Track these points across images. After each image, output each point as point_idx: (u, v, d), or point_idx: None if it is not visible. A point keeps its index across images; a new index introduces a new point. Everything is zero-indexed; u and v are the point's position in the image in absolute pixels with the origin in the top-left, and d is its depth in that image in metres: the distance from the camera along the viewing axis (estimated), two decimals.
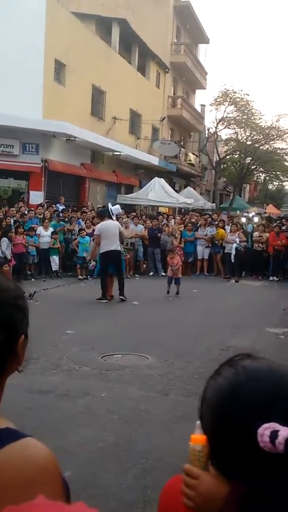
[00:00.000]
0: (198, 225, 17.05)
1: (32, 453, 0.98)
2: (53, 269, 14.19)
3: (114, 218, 11.98)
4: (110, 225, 11.22)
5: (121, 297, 11.19)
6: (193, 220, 17.48)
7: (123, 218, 15.40)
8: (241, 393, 0.96)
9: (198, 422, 1.02)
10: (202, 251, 16.40)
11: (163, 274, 15.70)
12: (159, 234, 16.09)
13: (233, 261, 15.45)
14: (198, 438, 1.01)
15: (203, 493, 0.98)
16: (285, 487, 0.88)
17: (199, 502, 0.99)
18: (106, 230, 11.07)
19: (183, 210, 24.61)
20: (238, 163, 36.61)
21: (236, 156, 37.00)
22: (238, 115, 33.86)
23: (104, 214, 11.76)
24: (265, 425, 0.88)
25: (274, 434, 0.87)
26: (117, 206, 13.18)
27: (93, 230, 14.99)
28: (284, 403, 0.93)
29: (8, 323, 1.07)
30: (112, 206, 12.57)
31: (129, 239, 15.20)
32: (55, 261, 14.21)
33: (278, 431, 0.87)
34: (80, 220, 15.80)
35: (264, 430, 0.88)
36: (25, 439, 1.01)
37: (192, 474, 1.01)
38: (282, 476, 0.88)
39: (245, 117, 33.58)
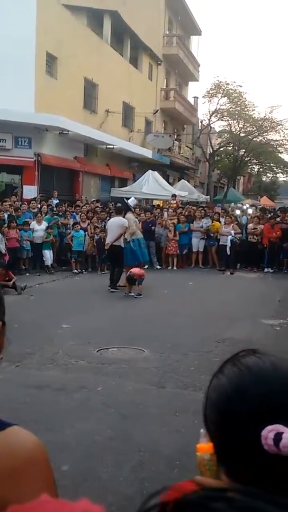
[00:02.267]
0: (192, 216, 17.03)
1: (19, 441, 0.98)
2: (46, 263, 14.13)
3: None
4: (113, 221, 12.08)
5: (112, 289, 11.58)
6: (187, 213, 17.44)
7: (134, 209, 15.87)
8: (247, 396, 0.93)
9: (203, 431, 0.99)
10: (197, 244, 16.38)
11: (158, 267, 15.74)
12: (153, 227, 16.07)
13: (229, 253, 15.45)
14: (205, 447, 0.98)
15: None
16: None
17: None
18: (110, 225, 12.14)
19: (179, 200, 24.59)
20: (232, 155, 36.57)
21: (229, 148, 36.96)
22: (231, 107, 33.78)
23: (120, 210, 12.54)
24: (269, 427, 0.86)
25: (278, 437, 0.85)
26: (132, 198, 13.44)
27: (88, 224, 15.17)
28: None
29: None
30: (130, 200, 13.19)
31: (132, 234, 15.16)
32: (47, 255, 14.15)
33: (282, 433, 0.85)
34: (74, 214, 15.75)
35: (268, 433, 0.86)
36: (11, 427, 1.00)
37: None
38: None
39: (238, 109, 33.51)
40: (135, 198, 15.32)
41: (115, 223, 12.00)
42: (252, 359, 0.97)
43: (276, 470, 0.87)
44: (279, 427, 0.86)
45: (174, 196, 19.80)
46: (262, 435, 0.86)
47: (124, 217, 12.01)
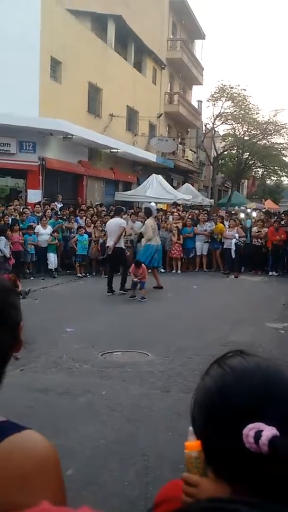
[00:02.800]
0: (196, 219, 17.06)
1: (33, 445, 0.99)
2: (49, 267, 14.14)
3: (155, 214, 13.12)
4: (111, 222, 12.12)
5: (120, 290, 11.67)
6: (191, 216, 17.47)
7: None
8: (229, 395, 0.94)
9: (191, 428, 1.00)
10: (201, 247, 16.39)
11: (162, 270, 15.73)
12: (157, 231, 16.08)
13: (233, 256, 15.43)
14: (192, 445, 1.00)
15: None
16: (281, 489, 0.86)
17: None
18: (108, 227, 12.16)
19: (181, 206, 24.58)
20: (236, 159, 36.54)
21: (233, 152, 36.93)
22: (235, 111, 33.78)
23: (119, 211, 12.77)
24: (250, 426, 0.87)
25: (258, 435, 0.86)
26: (153, 203, 13.66)
27: (93, 228, 15.26)
28: (273, 404, 0.91)
29: (15, 309, 1.13)
30: (150, 204, 13.51)
31: (128, 236, 15.21)
32: (51, 259, 14.16)
33: (262, 431, 0.85)
34: (78, 218, 15.77)
35: (249, 431, 0.86)
36: (26, 431, 1.02)
37: (192, 482, 0.99)
38: (277, 478, 0.86)
39: (242, 112, 33.50)
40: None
41: (113, 224, 11.98)
42: (236, 360, 0.98)
43: (260, 468, 0.87)
44: (260, 425, 0.86)
45: (175, 204, 19.86)
46: (244, 433, 0.86)
47: (142, 221, 12.50)
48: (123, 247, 12.16)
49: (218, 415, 0.94)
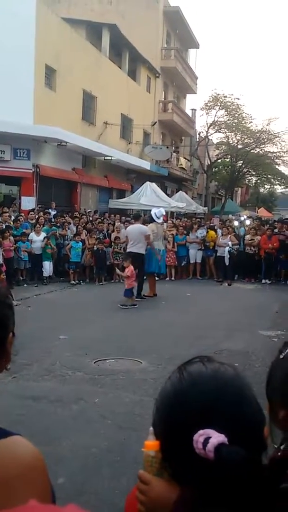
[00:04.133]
0: (188, 227, 17.10)
1: (20, 450, 0.99)
2: (44, 274, 14.12)
3: (159, 221, 13.15)
4: (134, 228, 12.33)
5: (136, 298, 11.66)
6: (184, 224, 17.52)
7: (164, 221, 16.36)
8: (183, 400, 0.96)
9: (151, 429, 1.03)
10: (195, 255, 16.43)
11: (157, 278, 15.72)
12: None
13: (227, 264, 15.46)
14: (151, 444, 1.02)
15: (153, 498, 1.00)
16: (229, 494, 0.88)
17: (150, 507, 1.00)
18: (130, 232, 12.37)
19: (175, 214, 24.65)
20: (230, 167, 36.75)
21: (227, 160, 37.14)
22: (228, 119, 33.99)
23: (138, 216, 13.07)
24: (201, 432, 0.89)
25: (206, 441, 0.87)
26: (161, 209, 13.67)
27: (86, 235, 15.27)
28: (224, 410, 0.92)
29: (0, 320, 1.10)
30: (157, 210, 13.39)
31: (121, 243, 15.23)
32: (46, 266, 14.14)
33: (210, 437, 0.87)
34: (71, 225, 15.76)
35: (199, 437, 0.88)
36: (13, 437, 1.01)
37: (144, 480, 1.02)
38: (223, 484, 0.87)
39: (236, 121, 33.72)
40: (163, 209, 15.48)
41: (135, 230, 12.18)
42: (196, 366, 1.00)
43: (208, 474, 0.88)
44: (209, 432, 0.88)
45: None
46: (194, 439, 0.89)
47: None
48: (144, 253, 12.21)
49: (173, 418, 0.96)
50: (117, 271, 11.66)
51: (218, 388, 0.95)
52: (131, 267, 11.23)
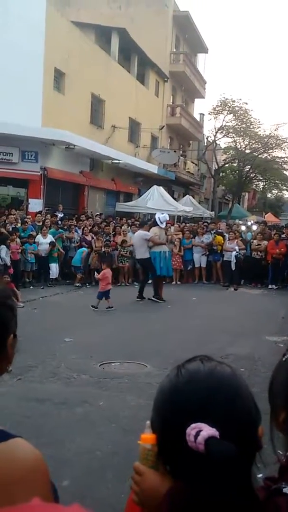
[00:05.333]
0: (195, 231, 17.08)
1: (21, 453, 0.98)
2: (51, 276, 14.16)
3: (162, 225, 13.33)
4: (136, 235, 13.15)
5: (150, 298, 12.25)
6: (190, 229, 17.51)
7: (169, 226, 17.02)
8: (179, 395, 0.99)
9: (148, 422, 1.06)
10: (199, 259, 16.41)
11: (163, 282, 15.71)
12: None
13: (233, 269, 15.43)
14: (147, 437, 1.06)
15: (146, 489, 1.04)
16: (218, 488, 0.89)
17: (142, 498, 1.04)
18: (133, 240, 13.31)
19: (181, 218, 24.63)
20: (237, 172, 36.70)
21: (235, 165, 37.10)
22: (236, 124, 33.97)
23: (143, 223, 13.81)
24: (193, 425, 0.91)
25: (198, 434, 0.90)
26: (165, 214, 13.85)
27: (92, 238, 15.28)
28: (219, 406, 0.95)
29: (0, 321, 1.10)
30: (161, 215, 13.54)
31: (127, 247, 15.25)
32: (53, 269, 14.18)
33: (202, 430, 0.90)
34: (77, 228, 15.77)
35: (191, 430, 0.91)
36: (14, 439, 1.01)
37: (139, 471, 1.06)
38: (215, 476, 0.89)
39: (244, 125, 33.70)
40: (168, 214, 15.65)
41: (137, 236, 12.89)
42: (194, 364, 1.05)
43: (200, 467, 0.90)
44: (201, 425, 0.91)
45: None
46: (187, 432, 0.91)
47: (149, 230, 12.76)
48: (148, 257, 12.55)
49: (169, 413, 0.99)
50: (96, 274, 11.79)
51: (213, 385, 0.98)
52: (107, 271, 11.31)
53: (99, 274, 11.35)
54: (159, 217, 13.25)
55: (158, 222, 13.06)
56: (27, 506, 0.71)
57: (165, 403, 1.01)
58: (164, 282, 13.37)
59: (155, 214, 14.45)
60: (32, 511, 0.71)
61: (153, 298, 12.19)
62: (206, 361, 1.04)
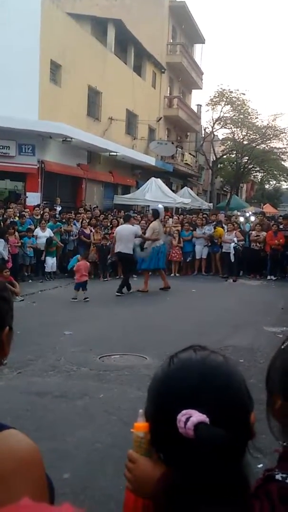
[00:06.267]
0: (194, 223, 17.05)
1: (15, 444, 0.98)
2: (46, 270, 14.15)
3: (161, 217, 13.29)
4: (123, 229, 12.43)
5: (117, 293, 11.86)
6: (189, 220, 17.46)
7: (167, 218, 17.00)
8: (170, 383, 1.00)
9: (141, 411, 1.08)
10: (201, 251, 16.39)
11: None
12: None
13: (232, 260, 15.42)
14: (140, 426, 1.08)
15: (138, 476, 1.06)
16: (208, 473, 0.90)
17: (135, 484, 1.07)
18: (119, 233, 12.45)
19: (180, 210, 24.61)
20: (235, 163, 36.63)
21: (232, 156, 37.02)
22: (234, 115, 33.87)
23: (128, 217, 13.20)
24: (184, 412, 0.92)
25: (188, 420, 0.91)
26: (160, 205, 13.73)
27: (90, 231, 15.28)
28: (210, 394, 0.96)
29: None
30: (159, 206, 13.61)
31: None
32: (48, 262, 14.16)
33: (191, 417, 0.91)
34: (75, 221, 15.75)
35: (181, 416, 0.92)
36: (8, 430, 1.00)
37: (132, 459, 1.08)
38: (205, 461, 0.90)
39: (242, 116, 33.60)
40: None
41: (125, 231, 12.25)
42: (187, 353, 1.05)
43: (191, 454, 0.91)
44: (191, 412, 0.92)
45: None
46: (177, 418, 0.93)
47: (147, 224, 12.74)
48: (132, 253, 12.45)
49: (161, 400, 1.01)
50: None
51: (205, 372, 0.99)
52: (81, 263, 11.37)
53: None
54: (157, 209, 13.21)
55: (162, 214, 13.09)
56: (15, 506, 0.71)
57: (157, 391, 1.02)
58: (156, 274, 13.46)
59: (150, 206, 14.44)
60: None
61: (117, 293, 11.82)
62: (199, 350, 1.05)
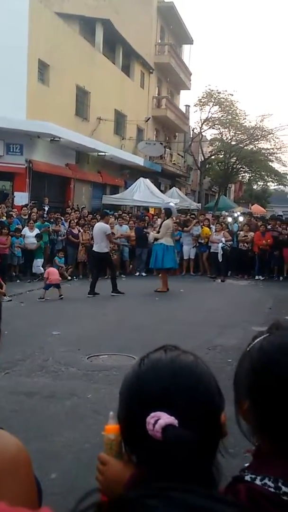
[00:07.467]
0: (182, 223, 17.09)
1: (3, 444, 0.97)
2: (33, 271, 14.06)
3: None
4: (96, 227, 12.27)
5: (112, 293, 11.84)
6: (178, 220, 17.49)
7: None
8: (140, 384, 1.00)
9: (112, 413, 1.09)
10: (189, 251, 16.43)
11: (144, 274, 15.76)
12: (147, 234, 16.08)
13: (220, 260, 15.48)
14: (111, 428, 1.09)
15: (109, 477, 1.07)
16: (175, 474, 0.90)
17: (106, 486, 1.07)
18: (94, 231, 12.37)
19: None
20: (223, 163, 36.76)
21: (221, 156, 37.14)
22: (222, 116, 33.99)
23: (104, 215, 12.98)
24: (152, 414, 0.92)
25: (156, 422, 0.92)
26: (172, 204, 13.64)
27: (78, 231, 15.25)
28: (179, 394, 0.96)
29: None
30: (171, 204, 13.61)
31: (115, 239, 15.20)
32: (38, 264, 14.08)
33: (160, 419, 0.91)
34: (63, 221, 15.71)
35: (151, 419, 0.92)
36: None
37: (103, 461, 1.10)
38: (173, 463, 0.90)
39: (230, 117, 33.73)
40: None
41: (97, 229, 12.17)
42: (158, 353, 1.06)
43: (159, 455, 0.91)
44: (160, 414, 0.92)
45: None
46: (147, 420, 0.93)
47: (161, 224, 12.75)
48: (107, 251, 12.26)
49: (131, 401, 1.01)
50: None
51: (174, 373, 0.99)
52: (49, 270, 11.46)
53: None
54: (170, 208, 13.19)
55: (174, 213, 13.09)
56: None
57: (127, 392, 1.02)
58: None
59: (163, 205, 14.34)
60: None
61: (113, 293, 11.82)
62: (170, 350, 1.05)
